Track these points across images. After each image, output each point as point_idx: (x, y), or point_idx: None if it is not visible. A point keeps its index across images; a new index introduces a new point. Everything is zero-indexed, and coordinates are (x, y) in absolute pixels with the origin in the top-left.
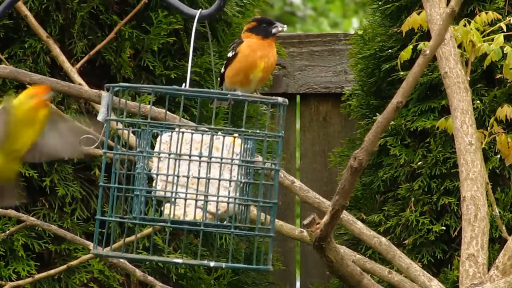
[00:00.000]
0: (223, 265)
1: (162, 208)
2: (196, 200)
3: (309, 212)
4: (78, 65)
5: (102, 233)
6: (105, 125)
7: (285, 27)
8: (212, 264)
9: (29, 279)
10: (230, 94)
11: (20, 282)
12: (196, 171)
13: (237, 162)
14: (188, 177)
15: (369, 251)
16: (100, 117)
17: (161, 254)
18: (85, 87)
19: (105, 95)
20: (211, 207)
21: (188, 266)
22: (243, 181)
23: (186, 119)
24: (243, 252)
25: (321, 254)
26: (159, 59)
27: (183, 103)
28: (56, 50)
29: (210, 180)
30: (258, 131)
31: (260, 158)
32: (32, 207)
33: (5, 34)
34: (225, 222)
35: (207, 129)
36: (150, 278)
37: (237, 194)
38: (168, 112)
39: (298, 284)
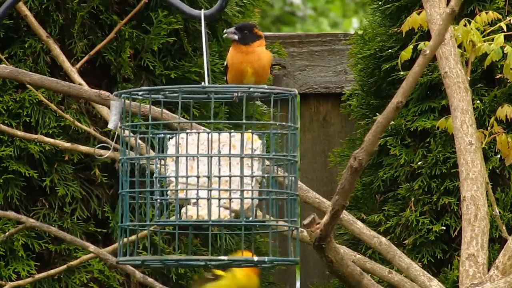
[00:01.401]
0: (266, 258)
1: (185, 211)
2: (219, 199)
3: (309, 212)
4: (78, 65)
5: (103, 235)
6: (116, 133)
7: (233, 36)
8: (256, 259)
9: (29, 279)
10: (253, 87)
11: (20, 282)
12: (215, 170)
13: (257, 157)
14: (209, 177)
15: (369, 251)
16: (111, 125)
17: (161, 255)
18: (85, 87)
19: (114, 102)
20: (234, 205)
21: (187, 266)
22: (265, 175)
23: (187, 119)
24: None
25: (321, 254)
26: (159, 59)
27: (181, 103)
28: (56, 50)
29: (232, 178)
30: (277, 123)
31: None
32: (32, 207)
33: (5, 34)
34: (250, 218)
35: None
36: (150, 279)
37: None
38: (169, 112)
39: (298, 284)
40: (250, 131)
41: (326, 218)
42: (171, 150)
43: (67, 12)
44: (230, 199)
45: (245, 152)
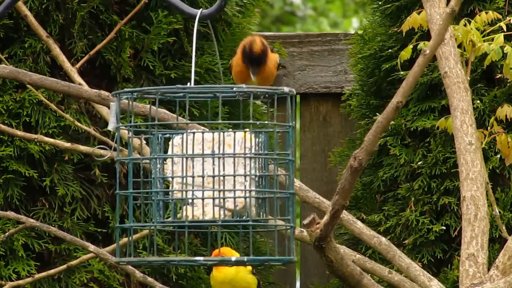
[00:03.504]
0: (245, 258)
1: (181, 211)
2: (214, 199)
3: (309, 212)
4: (78, 65)
5: (103, 235)
6: (116, 133)
7: (253, 77)
8: (233, 259)
9: (29, 279)
10: (236, 87)
11: (20, 282)
12: (210, 170)
13: (249, 155)
14: (203, 177)
15: (369, 251)
16: (110, 127)
17: (161, 254)
18: (85, 87)
19: (113, 104)
20: (229, 204)
21: (187, 266)
22: (258, 174)
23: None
24: (243, 251)
25: (321, 254)
26: (159, 59)
27: (181, 102)
28: (56, 50)
29: (226, 177)
30: (268, 123)
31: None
32: (32, 207)
33: (5, 34)
34: (244, 217)
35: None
36: (150, 279)
37: (254, 188)
38: (170, 113)
39: (298, 284)
40: (246, 129)
41: (326, 218)
42: (170, 150)
43: (67, 12)
44: (224, 198)
45: (239, 151)
